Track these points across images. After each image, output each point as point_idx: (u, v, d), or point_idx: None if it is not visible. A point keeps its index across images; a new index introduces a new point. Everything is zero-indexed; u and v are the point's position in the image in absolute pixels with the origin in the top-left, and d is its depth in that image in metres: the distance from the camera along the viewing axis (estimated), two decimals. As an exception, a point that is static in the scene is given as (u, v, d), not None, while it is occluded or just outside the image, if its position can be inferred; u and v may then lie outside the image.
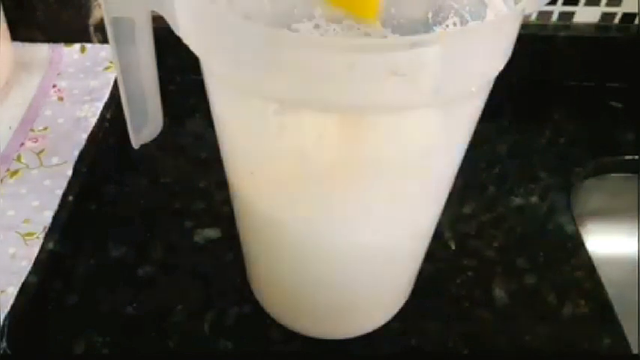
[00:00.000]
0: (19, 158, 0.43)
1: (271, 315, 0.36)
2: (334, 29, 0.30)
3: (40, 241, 0.38)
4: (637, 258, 0.51)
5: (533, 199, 0.44)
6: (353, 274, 0.31)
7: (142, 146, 0.31)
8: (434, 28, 0.29)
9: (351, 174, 0.25)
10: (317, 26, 0.30)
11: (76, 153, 0.43)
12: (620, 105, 0.53)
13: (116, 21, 0.25)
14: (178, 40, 0.23)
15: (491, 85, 0.25)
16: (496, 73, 0.23)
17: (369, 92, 0.20)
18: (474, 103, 0.25)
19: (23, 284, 0.35)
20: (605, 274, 0.40)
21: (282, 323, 0.36)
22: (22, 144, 0.45)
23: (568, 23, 0.53)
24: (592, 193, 0.49)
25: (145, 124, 0.30)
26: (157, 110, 0.30)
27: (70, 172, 0.42)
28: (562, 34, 0.52)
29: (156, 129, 0.31)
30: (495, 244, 0.41)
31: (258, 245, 0.32)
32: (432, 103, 0.22)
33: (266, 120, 0.24)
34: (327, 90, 0.20)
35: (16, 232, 0.38)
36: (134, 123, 0.30)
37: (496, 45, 0.22)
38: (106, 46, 0.53)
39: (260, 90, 0.21)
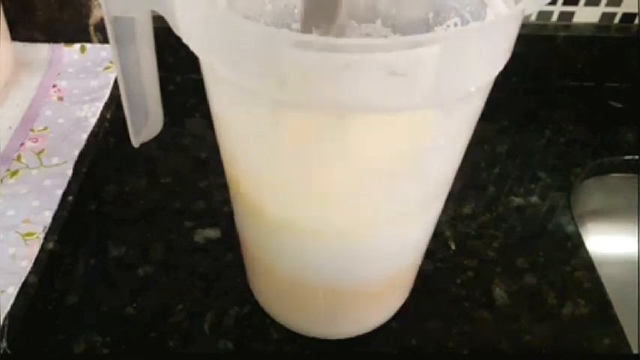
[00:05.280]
0: (19, 158, 0.43)
1: (271, 315, 0.36)
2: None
3: (40, 241, 0.38)
4: (637, 258, 0.51)
5: (533, 199, 0.44)
6: (353, 273, 0.31)
7: (142, 146, 0.31)
8: (434, 28, 0.29)
9: (350, 174, 0.25)
10: (317, 26, 0.30)
11: (76, 153, 0.43)
12: (620, 105, 0.53)
13: (116, 21, 0.25)
14: (178, 40, 0.23)
15: (491, 85, 0.25)
16: (496, 73, 0.23)
17: (369, 92, 0.20)
18: (474, 103, 0.25)
19: (23, 284, 0.35)
20: (605, 274, 0.40)
21: (282, 323, 0.36)
22: (22, 144, 0.45)
23: (568, 23, 0.53)
24: (592, 193, 0.49)
25: (145, 123, 0.30)
26: (157, 110, 0.30)
27: (70, 172, 0.42)
28: (562, 34, 0.52)
29: (156, 129, 0.31)
30: (495, 244, 0.41)
31: (258, 245, 0.32)
32: (432, 103, 0.22)
33: (266, 120, 0.24)
34: (326, 90, 0.20)
35: (16, 232, 0.38)
36: (134, 123, 0.30)
37: (496, 45, 0.22)
38: (106, 46, 0.53)
39: (260, 90, 0.21)
